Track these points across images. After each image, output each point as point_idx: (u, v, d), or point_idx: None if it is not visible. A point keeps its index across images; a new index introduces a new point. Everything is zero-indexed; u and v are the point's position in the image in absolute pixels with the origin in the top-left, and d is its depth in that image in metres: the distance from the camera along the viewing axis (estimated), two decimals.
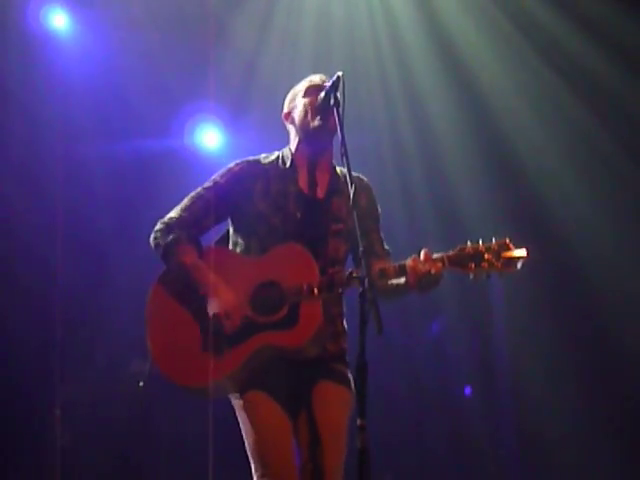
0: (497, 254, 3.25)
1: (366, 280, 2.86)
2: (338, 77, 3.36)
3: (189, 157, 7.24)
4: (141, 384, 6.57)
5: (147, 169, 7.13)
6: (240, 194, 3.57)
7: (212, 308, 3.41)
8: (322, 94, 3.45)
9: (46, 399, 6.55)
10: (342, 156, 3.19)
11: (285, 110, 3.70)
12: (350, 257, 3.61)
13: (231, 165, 3.65)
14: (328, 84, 3.40)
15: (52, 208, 7.02)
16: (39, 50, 6.73)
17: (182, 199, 3.66)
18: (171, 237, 3.50)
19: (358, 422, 2.76)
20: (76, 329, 6.90)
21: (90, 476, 6.35)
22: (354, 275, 2.98)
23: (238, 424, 3.50)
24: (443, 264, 3.28)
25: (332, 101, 3.33)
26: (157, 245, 3.55)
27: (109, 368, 6.82)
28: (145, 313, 3.57)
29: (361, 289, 2.87)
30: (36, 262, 6.85)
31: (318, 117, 3.51)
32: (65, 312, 6.91)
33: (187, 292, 3.49)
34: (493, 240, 3.28)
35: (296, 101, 3.65)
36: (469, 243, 3.29)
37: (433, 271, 3.26)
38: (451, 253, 3.30)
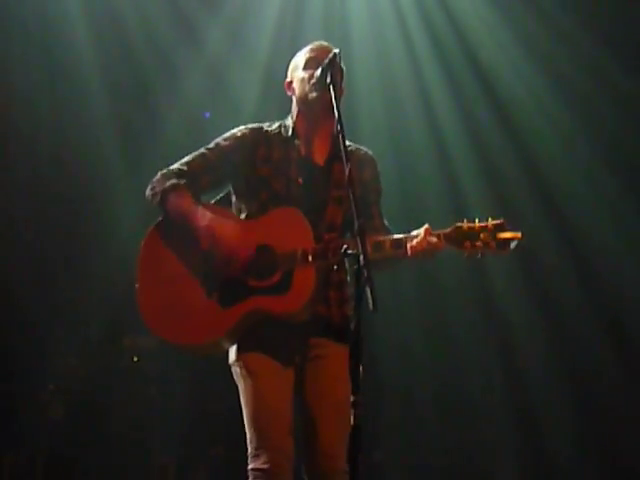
0: (492, 234, 3.27)
1: (361, 257, 2.85)
2: (335, 54, 3.36)
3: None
4: (135, 359, 6.61)
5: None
6: (242, 160, 3.59)
7: (213, 252, 3.40)
8: (318, 71, 3.46)
9: (40, 372, 6.57)
10: (338, 134, 3.17)
11: (287, 79, 3.72)
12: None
13: (234, 131, 3.68)
14: (326, 61, 3.39)
15: (44, 172, 7.02)
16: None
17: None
18: (169, 183, 3.52)
19: (352, 398, 2.75)
20: (69, 302, 6.91)
21: (81, 449, 6.38)
22: (349, 252, 2.96)
23: (237, 393, 3.49)
24: (439, 241, 3.30)
25: (328, 79, 3.32)
26: (154, 194, 3.54)
27: (103, 342, 6.83)
28: (136, 265, 3.55)
29: (356, 266, 2.85)
30: (29, 231, 6.86)
31: (315, 89, 3.52)
32: (58, 284, 6.93)
33: (185, 240, 3.47)
34: (489, 220, 3.30)
35: (297, 71, 3.66)
36: (465, 221, 3.31)
37: (432, 248, 3.29)
38: (447, 230, 3.32)
